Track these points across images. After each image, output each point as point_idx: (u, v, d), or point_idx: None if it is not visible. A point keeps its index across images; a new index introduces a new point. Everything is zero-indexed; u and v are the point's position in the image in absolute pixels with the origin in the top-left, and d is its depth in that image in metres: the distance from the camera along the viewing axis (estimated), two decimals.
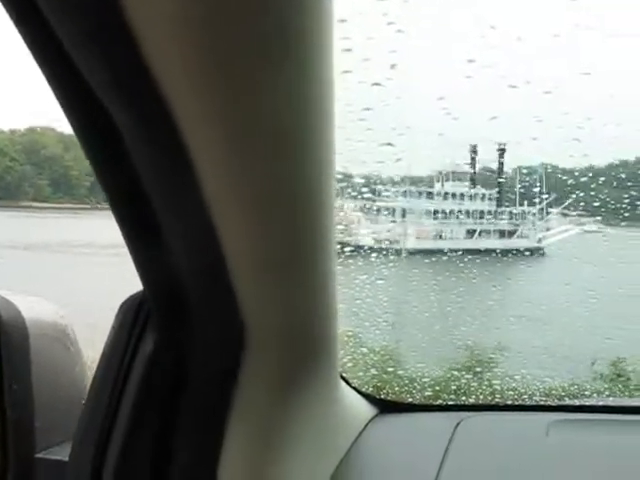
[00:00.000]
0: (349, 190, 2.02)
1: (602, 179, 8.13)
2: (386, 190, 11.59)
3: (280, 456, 1.35)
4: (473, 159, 11.37)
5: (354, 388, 2.24)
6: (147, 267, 1.14)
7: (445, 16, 3.24)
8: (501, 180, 11.53)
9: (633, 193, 6.52)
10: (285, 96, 0.91)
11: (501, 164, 11.22)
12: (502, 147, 10.56)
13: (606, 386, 8.89)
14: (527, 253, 11.45)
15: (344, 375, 2.09)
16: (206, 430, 1.18)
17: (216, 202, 0.98)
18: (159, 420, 1.16)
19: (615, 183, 8.25)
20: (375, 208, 11.94)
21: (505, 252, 9.84)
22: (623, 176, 7.73)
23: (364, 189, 2.16)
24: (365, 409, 2.26)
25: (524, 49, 4.00)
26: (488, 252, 9.48)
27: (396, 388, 2.67)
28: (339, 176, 2.11)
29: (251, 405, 1.25)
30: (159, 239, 1.05)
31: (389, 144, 2.29)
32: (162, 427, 1.16)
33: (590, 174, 8.25)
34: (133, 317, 1.24)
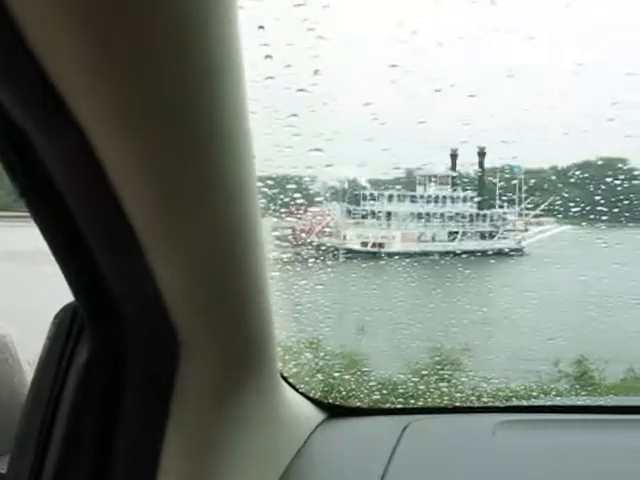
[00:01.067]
0: (282, 196, 2.03)
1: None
2: (371, 195, 11.78)
3: (221, 465, 1.34)
4: (454, 162, 11.64)
5: (302, 393, 2.24)
6: (75, 278, 1.12)
7: (366, 22, 3.30)
8: (481, 182, 11.78)
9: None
10: (197, 104, 0.91)
11: (481, 166, 11.47)
12: (482, 150, 10.81)
13: (570, 385, 9.07)
14: (507, 254, 11.74)
15: (291, 381, 2.09)
16: (144, 440, 1.17)
17: (136, 213, 0.98)
18: (96, 430, 1.14)
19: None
20: (360, 212, 12.12)
21: (486, 254, 10.04)
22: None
23: (296, 195, 2.18)
24: (313, 414, 2.26)
25: (446, 53, 4.10)
26: (470, 254, 9.65)
27: (343, 393, 2.68)
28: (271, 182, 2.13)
29: (189, 413, 1.24)
30: (84, 250, 1.04)
31: (318, 150, 2.32)
32: (99, 437, 1.14)
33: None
34: (67, 327, 1.22)
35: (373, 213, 11.61)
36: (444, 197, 12.50)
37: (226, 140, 1.00)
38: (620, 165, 6.52)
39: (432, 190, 12.13)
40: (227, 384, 1.36)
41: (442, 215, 12.20)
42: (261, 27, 1.76)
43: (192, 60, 0.83)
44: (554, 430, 2.21)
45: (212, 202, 1.05)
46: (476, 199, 12.05)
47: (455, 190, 11.98)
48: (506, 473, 1.94)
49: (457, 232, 12.00)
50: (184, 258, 1.08)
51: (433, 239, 11.96)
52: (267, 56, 1.85)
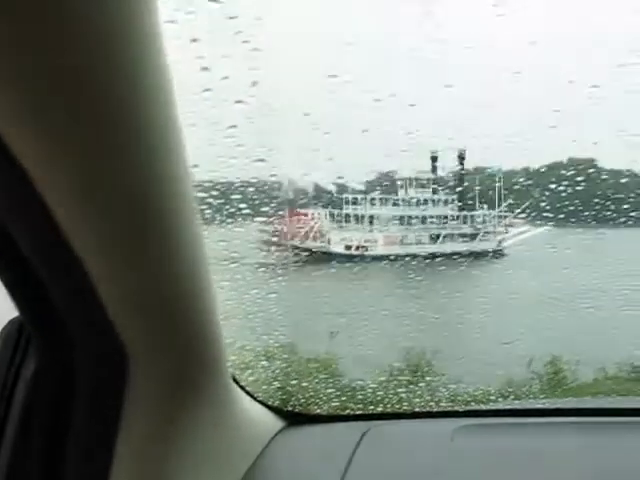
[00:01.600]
0: (227, 206, 2.05)
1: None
2: (354, 199, 11.86)
3: (174, 473, 1.33)
4: (434, 166, 11.82)
5: (260, 402, 2.24)
6: (19, 293, 1.12)
7: (301, 33, 3.34)
8: (462, 186, 11.96)
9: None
10: (125, 119, 0.92)
11: (462, 169, 11.65)
12: (462, 154, 11.02)
13: (542, 385, 9.17)
14: (488, 256, 11.89)
15: (248, 389, 2.09)
16: (94, 453, 1.17)
17: (74, 228, 0.98)
18: (45, 443, 1.13)
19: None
20: (344, 216, 12.18)
21: (467, 255, 10.17)
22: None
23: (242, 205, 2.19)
24: (272, 422, 2.26)
25: (383, 63, 4.17)
26: (451, 256, 9.75)
27: (302, 400, 2.68)
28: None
29: (139, 425, 1.24)
30: (25, 265, 1.04)
31: (261, 160, 2.34)
32: (48, 451, 1.13)
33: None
34: (14, 341, 1.21)
35: (356, 217, 11.76)
36: (425, 200, 12.65)
37: (160, 153, 1.01)
38: (563, 171, 6.66)
39: (413, 193, 12.28)
40: (178, 394, 1.36)
41: (424, 218, 12.37)
42: (194, 40, 1.78)
43: (117, 75, 0.84)
44: (512, 434, 2.23)
45: (151, 215, 1.06)
46: (456, 202, 12.28)
47: (436, 193, 12.16)
48: (464, 478, 1.96)
49: (439, 234, 12.19)
50: (126, 271, 1.09)
51: (416, 242, 12.10)
52: (203, 68, 1.88)
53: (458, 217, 12.19)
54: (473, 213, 12.20)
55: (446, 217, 12.40)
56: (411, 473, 2.04)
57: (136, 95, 0.89)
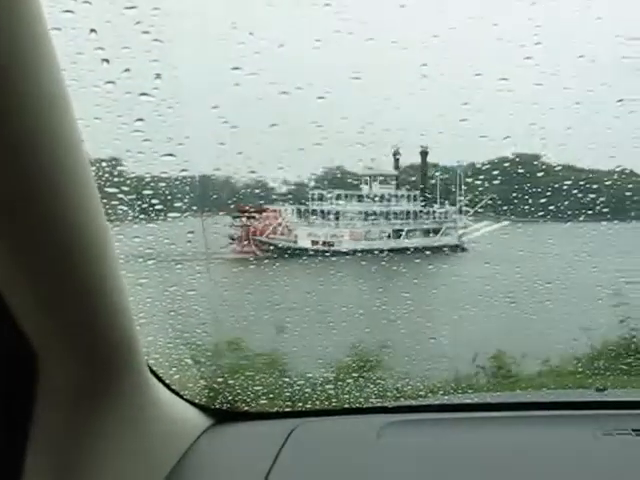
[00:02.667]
0: (139, 202, 2.01)
1: None
2: (320, 195, 11.97)
3: (92, 470, 1.29)
4: (397, 161, 12.03)
5: (186, 400, 2.20)
6: None
7: (202, 23, 3.29)
8: (424, 181, 12.24)
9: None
10: (19, 114, 0.89)
11: (424, 165, 11.93)
12: (425, 150, 11.28)
13: (488, 379, 9.39)
14: (450, 250, 12.23)
15: (174, 387, 2.05)
16: (5, 451, 1.13)
17: None
18: None
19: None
20: (310, 212, 12.24)
21: (429, 250, 10.42)
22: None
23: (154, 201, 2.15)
24: (198, 420, 2.22)
25: (288, 55, 4.15)
26: (414, 250, 9.98)
27: (229, 398, 2.65)
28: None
29: (51, 424, 1.20)
30: None
31: (170, 154, 2.30)
32: None
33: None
34: None
35: (322, 212, 11.93)
36: (389, 195, 12.96)
37: (58, 150, 0.98)
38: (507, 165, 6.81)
39: (377, 189, 12.59)
40: (91, 394, 1.33)
41: (387, 213, 12.68)
42: (93, 30, 1.72)
43: (4, 73, 0.82)
44: (439, 429, 2.27)
45: (52, 214, 1.03)
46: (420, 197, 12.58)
47: (399, 188, 12.47)
48: (388, 474, 1.98)
49: (402, 230, 12.52)
50: (31, 272, 1.05)
51: (379, 237, 12.41)
52: (104, 60, 1.82)
53: (421, 212, 12.58)
54: (435, 209, 12.59)
55: (409, 213, 12.77)
56: (335, 470, 2.04)
57: (26, 90, 0.86)
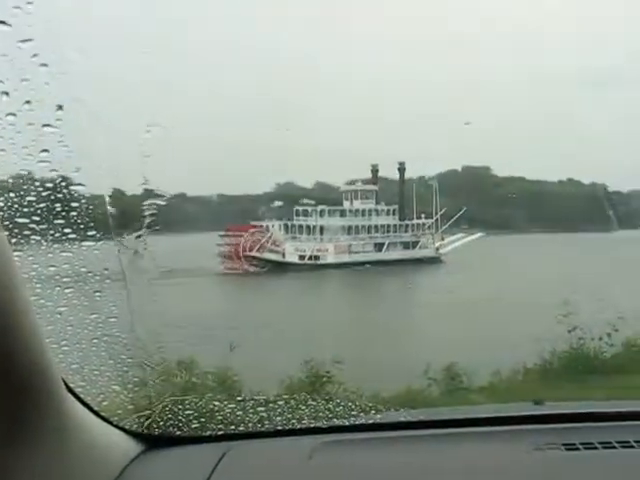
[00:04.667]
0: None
1: None
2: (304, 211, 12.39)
3: None
4: (375, 176, 12.47)
5: (116, 426, 2.18)
6: None
7: (101, 53, 3.29)
8: (402, 196, 12.73)
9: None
10: None
11: (402, 181, 12.31)
12: (402, 166, 11.70)
13: (440, 390, 9.50)
14: (428, 261, 12.62)
15: (103, 414, 2.03)
16: None
17: None
18: None
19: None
20: (297, 227, 12.58)
21: (409, 262, 10.75)
22: None
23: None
24: (129, 446, 2.21)
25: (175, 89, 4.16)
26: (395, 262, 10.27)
27: (160, 423, 2.64)
28: None
29: None
30: None
31: (81, 185, 2.32)
32: None
33: None
34: None
35: (308, 227, 12.16)
36: (370, 210, 13.38)
37: None
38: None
39: (358, 204, 13.03)
40: (8, 427, 1.31)
41: (369, 227, 13.08)
42: None
43: None
44: (371, 449, 2.28)
45: None
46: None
47: (379, 203, 12.89)
48: None
49: (383, 243, 12.96)
50: None
51: (363, 250, 12.80)
52: (3, 92, 1.84)
53: (400, 226, 13.02)
54: (413, 222, 13.04)
55: (389, 226, 13.26)
56: None
57: None
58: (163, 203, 3.06)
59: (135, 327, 2.62)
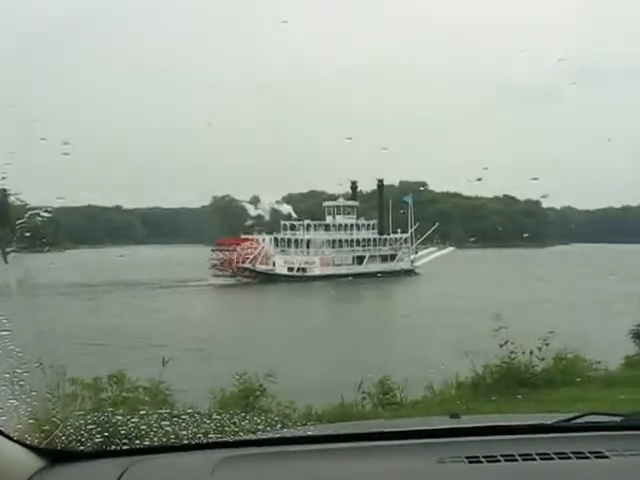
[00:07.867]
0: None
1: None
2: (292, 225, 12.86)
3: None
4: (354, 191, 12.82)
5: (16, 441, 2.09)
6: None
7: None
8: (381, 211, 13.17)
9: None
10: None
11: (381, 196, 12.68)
12: (381, 182, 12.05)
13: (374, 404, 9.49)
14: (404, 274, 13.01)
15: (2, 430, 1.95)
16: None
17: None
18: None
19: None
20: (286, 240, 12.95)
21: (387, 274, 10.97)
22: None
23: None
24: (30, 462, 2.12)
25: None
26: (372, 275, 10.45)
27: (63, 438, 2.55)
28: None
29: None
30: None
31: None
32: None
33: None
34: None
35: (296, 241, 12.53)
36: (351, 225, 13.94)
37: None
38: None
39: (340, 219, 13.55)
40: None
41: (351, 241, 13.64)
42: None
43: None
44: (277, 463, 2.23)
45: None
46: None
47: (359, 218, 13.44)
48: None
49: (364, 256, 13.53)
50: None
51: (345, 262, 13.37)
52: None
53: (379, 240, 13.64)
54: (391, 236, 13.68)
55: (369, 240, 13.88)
56: None
57: None
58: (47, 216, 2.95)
59: (30, 342, 2.52)
